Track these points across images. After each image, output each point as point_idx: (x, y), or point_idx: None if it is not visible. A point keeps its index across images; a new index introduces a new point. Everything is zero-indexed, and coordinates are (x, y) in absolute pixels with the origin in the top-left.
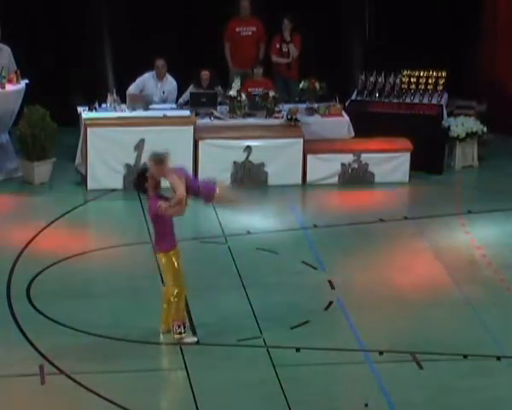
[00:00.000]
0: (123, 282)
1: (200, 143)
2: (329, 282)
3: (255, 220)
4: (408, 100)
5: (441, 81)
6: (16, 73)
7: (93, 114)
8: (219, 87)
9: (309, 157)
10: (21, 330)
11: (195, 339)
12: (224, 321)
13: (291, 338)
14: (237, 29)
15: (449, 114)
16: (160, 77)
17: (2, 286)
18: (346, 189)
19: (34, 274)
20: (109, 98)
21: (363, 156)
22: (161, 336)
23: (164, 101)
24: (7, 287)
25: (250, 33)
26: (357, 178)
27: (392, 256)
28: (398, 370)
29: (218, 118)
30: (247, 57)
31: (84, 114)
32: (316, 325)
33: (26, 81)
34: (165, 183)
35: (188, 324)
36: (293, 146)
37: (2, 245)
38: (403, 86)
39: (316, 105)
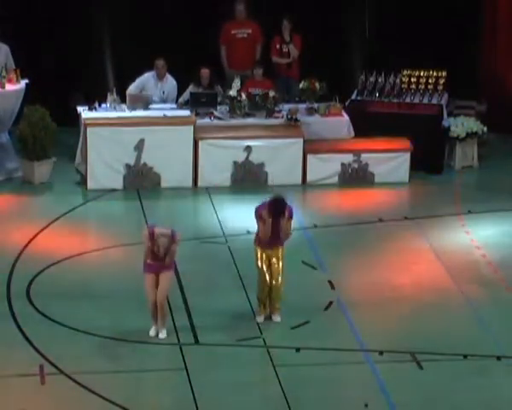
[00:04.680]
0: (123, 282)
1: (200, 143)
2: (329, 282)
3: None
4: (408, 100)
5: (441, 81)
6: (16, 72)
7: (93, 114)
8: (219, 86)
9: (309, 157)
10: (21, 330)
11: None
12: (224, 321)
13: (291, 338)
14: (233, 31)
15: (449, 114)
16: (159, 77)
17: (3, 286)
18: (346, 189)
19: (34, 274)
20: (109, 98)
21: (363, 156)
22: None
23: (164, 101)
24: (7, 287)
25: (246, 35)
26: (357, 178)
27: (392, 256)
28: (398, 370)
29: (218, 118)
30: (243, 59)
31: (84, 113)
32: (316, 325)
33: (26, 81)
34: None
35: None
36: (293, 146)
37: (2, 245)
38: (403, 86)
39: (316, 105)
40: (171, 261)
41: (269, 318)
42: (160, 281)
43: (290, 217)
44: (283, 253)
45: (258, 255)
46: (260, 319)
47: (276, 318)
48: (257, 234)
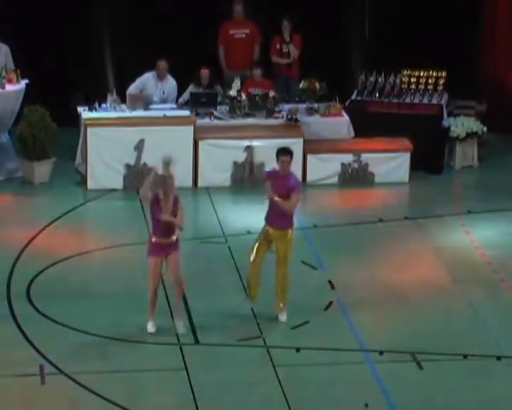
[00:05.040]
0: (123, 282)
1: (200, 143)
2: (329, 282)
3: (255, 220)
4: (408, 100)
5: (441, 81)
6: (16, 72)
7: (93, 114)
8: (219, 86)
9: (309, 157)
10: (21, 330)
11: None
12: (224, 321)
13: (291, 338)
14: (231, 31)
15: (449, 114)
16: (160, 77)
17: (3, 286)
18: (346, 189)
19: (34, 274)
20: (109, 98)
21: (363, 156)
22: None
23: (164, 101)
24: (7, 287)
25: (244, 36)
26: (357, 178)
27: (392, 256)
28: (398, 370)
29: (218, 118)
30: (241, 59)
31: (84, 114)
32: (316, 325)
33: (26, 81)
34: None
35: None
36: (293, 146)
37: (2, 245)
38: (403, 86)
39: (316, 105)
40: (181, 222)
41: (274, 318)
42: (171, 262)
43: (297, 189)
44: (290, 242)
45: (263, 232)
46: (248, 304)
47: (282, 317)
48: (266, 216)
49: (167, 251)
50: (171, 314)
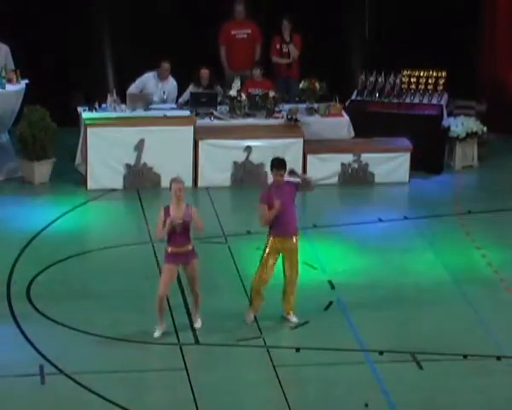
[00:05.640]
0: (123, 282)
1: (200, 143)
2: (329, 282)
3: (255, 220)
4: (408, 100)
5: (441, 81)
6: (16, 72)
7: (93, 114)
8: (219, 86)
9: (309, 157)
10: (21, 330)
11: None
12: (224, 321)
13: (291, 338)
14: (232, 32)
15: (449, 114)
16: (161, 78)
17: (3, 286)
18: (346, 189)
19: (34, 274)
20: (109, 98)
21: (363, 156)
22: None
23: (164, 101)
24: (7, 287)
25: (245, 36)
26: (357, 178)
27: (392, 256)
28: (398, 370)
29: (218, 118)
30: (242, 59)
31: (84, 114)
32: (316, 325)
33: (26, 81)
34: None
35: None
36: (293, 146)
37: (2, 245)
38: (403, 86)
39: (316, 105)
40: (200, 225)
41: (274, 318)
42: (189, 268)
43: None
44: (297, 245)
45: (269, 245)
46: (250, 318)
47: (293, 318)
48: (269, 228)
49: (185, 259)
50: (171, 315)
